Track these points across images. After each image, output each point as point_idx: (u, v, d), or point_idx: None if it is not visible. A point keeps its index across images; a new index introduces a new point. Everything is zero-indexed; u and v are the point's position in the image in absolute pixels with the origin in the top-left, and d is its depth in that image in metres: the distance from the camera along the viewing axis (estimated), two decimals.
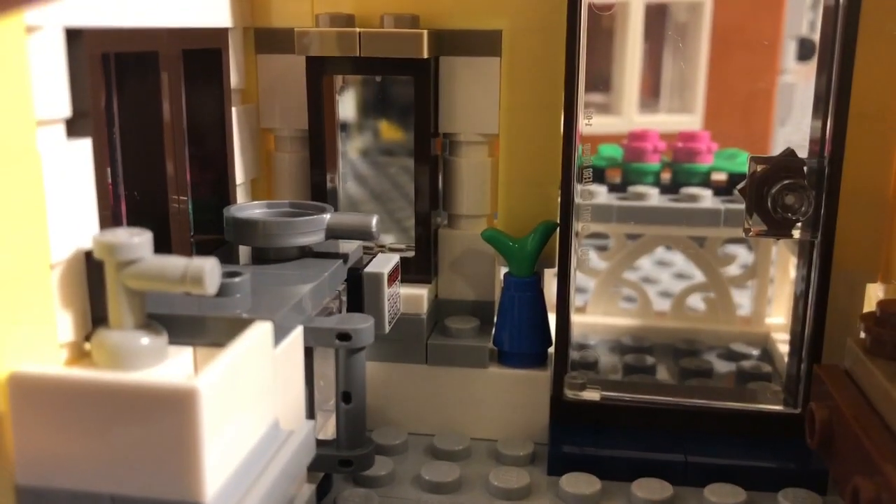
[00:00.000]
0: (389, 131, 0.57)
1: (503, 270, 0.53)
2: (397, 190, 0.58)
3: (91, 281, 0.35)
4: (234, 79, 0.49)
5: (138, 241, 0.33)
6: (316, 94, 0.49)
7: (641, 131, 0.66)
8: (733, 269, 0.64)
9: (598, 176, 0.67)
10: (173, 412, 0.28)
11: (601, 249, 0.66)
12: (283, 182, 0.53)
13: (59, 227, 0.33)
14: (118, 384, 0.29)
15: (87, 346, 0.34)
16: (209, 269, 0.33)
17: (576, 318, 0.64)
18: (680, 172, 0.66)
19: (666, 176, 0.66)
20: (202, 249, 0.47)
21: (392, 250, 0.53)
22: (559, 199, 0.51)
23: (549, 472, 0.47)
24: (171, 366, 0.34)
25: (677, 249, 0.64)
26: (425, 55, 0.47)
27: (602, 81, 0.60)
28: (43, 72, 0.31)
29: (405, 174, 0.53)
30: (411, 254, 0.52)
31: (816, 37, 0.47)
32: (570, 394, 0.50)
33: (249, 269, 0.42)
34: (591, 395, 0.50)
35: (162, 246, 0.42)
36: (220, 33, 0.47)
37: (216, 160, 0.48)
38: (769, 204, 0.45)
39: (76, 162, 0.34)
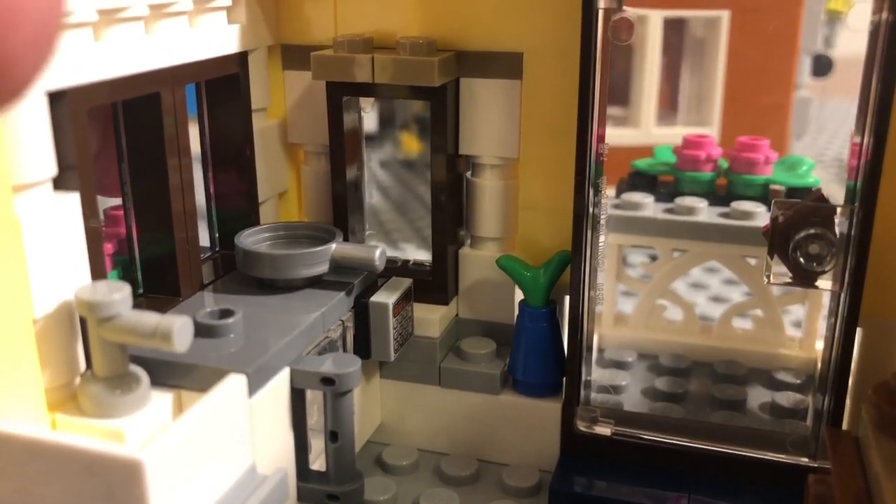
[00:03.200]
0: (414, 145, 0.57)
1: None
2: (419, 200, 0.58)
3: (84, 325, 0.37)
4: (256, 98, 0.49)
5: (117, 297, 0.34)
6: (336, 115, 0.49)
7: (696, 138, 0.62)
8: (784, 288, 0.61)
9: (650, 183, 0.64)
10: (121, 480, 0.30)
11: (633, 265, 0.64)
12: (312, 195, 0.54)
13: (43, 283, 0.34)
14: (71, 448, 0.30)
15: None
16: (178, 328, 0.34)
17: (613, 332, 0.63)
18: (736, 183, 0.62)
19: (721, 185, 0.63)
20: (227, 266, 0.48)
21: (416, 264, 0.53)
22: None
23: None
24: (150, 413, 0.36)
25: (725, 265, 0.61)
26: (436, 84, 0.46)
27: (620, 94, 0.57)
28: (24, 137, 0.33)
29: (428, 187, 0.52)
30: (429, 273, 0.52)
31: (831, 52, 0.43)
32: (581, 426, 0.49)
33: (249, 303, 0.43)
34: (603, 429, 0.49)
35: (170, 273, 0.44)
36: (238, 58, 0.47)
37: (241, 178, 0.49)
38: (790, 251, 0.42)
39: (63, 216, 0.35)
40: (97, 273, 0.38)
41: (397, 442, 0.52)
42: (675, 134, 0.59)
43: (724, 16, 0.53)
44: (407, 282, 0.49)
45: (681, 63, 0.58)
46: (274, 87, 0.52)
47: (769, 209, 0.59)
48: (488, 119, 0.49)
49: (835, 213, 0.42)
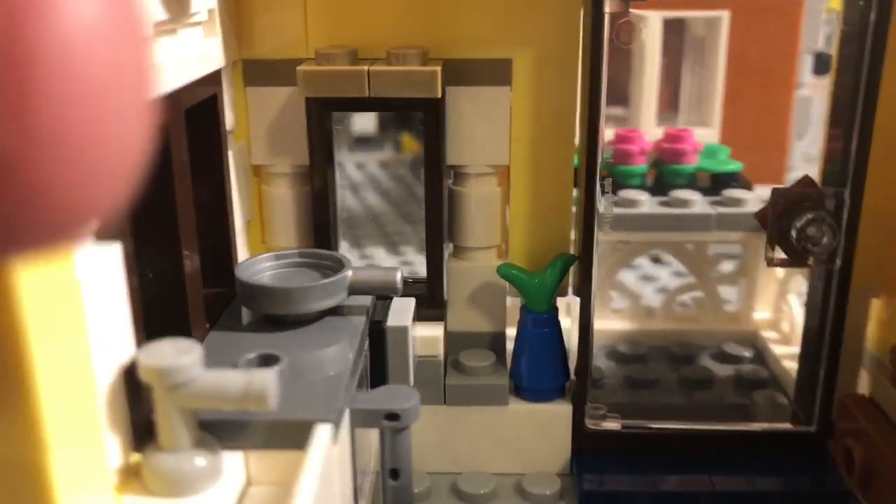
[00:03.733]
0: (396, 144, 0.55)
1: (510, 300, 0.52)
2: (392, 204, 0.56)
3: (131, 395, 0.32)
4: (228, 120, 0.45)
5: (188, 360, 0.30)
6: (319, 132, 0.46)
7: (627, 132, 0.65)
8: (721, 269, 0.65)
9: None
10: None
11: None
12: (279, 220, 0.50)
13: (100, 349, 0.29)
14: None
15: (134, 458, 0.32)
16: (272, 384, 0.30)
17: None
18: (666, 173, 0.65)
19: (651, 176, 0.66)
20: (211, 306, 0.44)
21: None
22: (572, 232, 0.51)
23: None
24: (228, 485, 0.32)
25: (667, 252, 0.64)
26: (439, 94, 0.44)
27: (620, 95, 0.58)
28: None
29: (402, 186, 0.51)
30: (419, 284, 0.50)
31: (832, 51, 0.47)
32: (590, 424, 0.50)
33: (271, 342, 0.40)
34: (612, 424, 0.50)
35: (179, 317, 0.40)
36: (214, 77, 0.43)
37: (218, 207, 0.45)
38: (794, 236, 0.45)
39: (107, 270, 0.30)
40: (138, 331, 0.33)
41: None
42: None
43: (725, 16, 0.55)
44: (411, 301, 0.46)
45: (681, 63, 0.60)
46: (237, 106, 0.48)
47: (703, 195, 0.63)
48: (478, 127, 0.48)
49: (824, 195, 0.45)
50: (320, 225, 0.48)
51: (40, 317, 0.25)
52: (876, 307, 0.51)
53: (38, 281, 0.25)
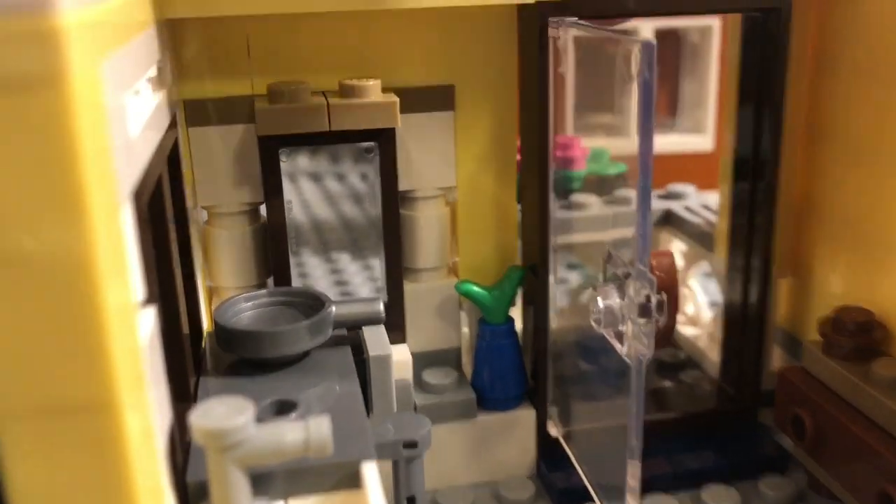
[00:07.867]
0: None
1: (463, 315, 0.54)
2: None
3: (174, 458, 0.31)
4: (183, 163, 0.44)
5: (245, 419, 0.30)
6: (273, 170, 0.46)
7: None
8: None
9: None
10: None
11: None
12: (224, 261, 0.49)
13: (156, 411, 0.29)
14: None
15: None
16: (329, 431, 0.31)
17: None
18: (560, 179, 0.69)
19: None
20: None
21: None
22: (520, 244, 0.53)
23: None
24: None
25: (569, 252, 0.68)
26: (399, 124, 0.45)
27: (607, 102, 0.60)
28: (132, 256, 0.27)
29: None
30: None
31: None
32: (551, 427, 0.52)
33: (266, 385, 0.39)
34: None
35: (177, 365, 0.38)
36: (174, 119, 0.42)
37: (181, 253, 0.44)
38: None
39: (150, 336, 0.29)
40: None
41: None
42: (670, 142, 0.64)
43: (715, 25, 0.58)
44: (381, 328, 0.47)
45: (677, 72, 0.62)
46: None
47: (600, 197, 0.67)
48: (424, 152, 0.49)
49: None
50: (279, 261, 0.48)
51: (127, 388, 0.24)
52: (783, 288, 0.57)
53: (122, 353, 0.24)
